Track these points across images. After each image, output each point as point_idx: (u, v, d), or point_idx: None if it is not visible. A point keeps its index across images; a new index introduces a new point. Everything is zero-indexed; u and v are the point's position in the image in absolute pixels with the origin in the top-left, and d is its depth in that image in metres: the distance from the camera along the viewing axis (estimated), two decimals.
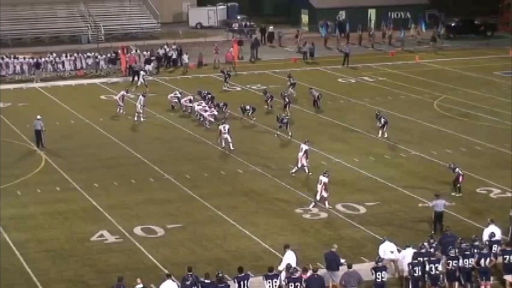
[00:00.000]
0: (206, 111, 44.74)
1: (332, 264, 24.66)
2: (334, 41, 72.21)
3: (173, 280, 23.61)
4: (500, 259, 25.47)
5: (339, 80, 58.26)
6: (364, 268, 24.99)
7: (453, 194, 33.10)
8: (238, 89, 54.88)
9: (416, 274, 24.25)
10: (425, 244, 25.28)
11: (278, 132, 42.52)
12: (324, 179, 32.04)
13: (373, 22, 78.53)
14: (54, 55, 60.54)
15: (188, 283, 23.15)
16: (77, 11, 79.13)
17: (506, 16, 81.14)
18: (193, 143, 41.89)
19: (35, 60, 59.33)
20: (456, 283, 24.79)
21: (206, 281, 23.21)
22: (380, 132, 41.90)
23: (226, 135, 40.14)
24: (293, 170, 36.16)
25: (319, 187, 32.04)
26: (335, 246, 25.41)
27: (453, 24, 77.42)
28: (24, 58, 59.81)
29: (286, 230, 30.14)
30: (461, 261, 24.61)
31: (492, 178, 35.13)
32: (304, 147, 36.19)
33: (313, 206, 32.06)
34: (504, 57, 64.93)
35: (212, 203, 32.77)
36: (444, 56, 67.24)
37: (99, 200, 33.41)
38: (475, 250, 24.97)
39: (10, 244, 29.00)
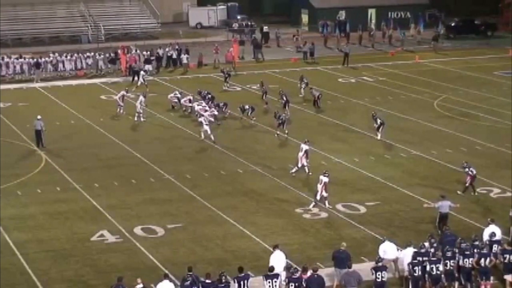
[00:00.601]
0: (206, 111, 44.75)
1: (344, 262, 24.58)
2: (334, 41, 72.21)
3: (170, 280, 23.61)
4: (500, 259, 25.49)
5: (339, 80, 58.26)
6: (364, 268, 24.99)
7: (472, 194, 33.20)
8: (238, 89, 54.88)
9: (416, 274, 24.24)
10: (425, 244, 25.28)
11: (278, 132, 42.54)
12: (324, 178, 32.03)
13: (373, 22, 78.59)
14: (56, 54, 60.59)
15: (187, 283, 23.15)
16: (77, 11, 79.15)
17: (506, 16, 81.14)
18: (193, 143, 41.88)
19: (35, 60, 59.35)
20: (456, 283, 24.81)
21: (207, 281, 23.22)
22: (377, 133, 41.87)
23: (207, 127, 40.83)
24: (293, 170, 36.16)
25: (319, 186, 32.04)
26: (344, 244, 25.46)
27: (453, 24, 77.40)
28: (24, 58, 59.79)
29: (286, 230, 30.14)
30: (461, 261, 24.62)
31: (492, 177, 35.12)
32: (305, 147, 36.18)
33: (313, 206, 32.06)
34: (504, 57, 64.92)
35: (212, 203, 32.77)
36: (444, 56, 67.24)
37: (99, 200, 33.41)
38: (475, 250, 24.96)
39: (11, 244, 29.00)
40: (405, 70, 60.88)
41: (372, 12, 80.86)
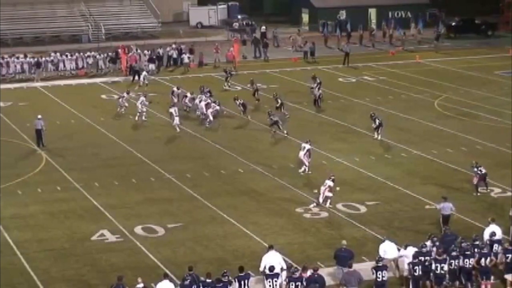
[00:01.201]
0: (209, 107, 44.85)
1: (347, 260, 24.55)
2: (335, 41, 72.21)
3: (170, 280, 23.61)
4: (501, 258, 25.48)
5: (340, 79, 58.24)
6: (364, 268, 24.99)
7: (473, 194, 33.24)
8: (239, 88, 54.86)
9: (416, 274, 24.24)
10: (427, 243, 25.27)
11: (274, 130, 42.53)
12: (329, 182, 32.04)
13: (373, 21, 78.53)
14: (58, 54, 60.59)
15: (187, 282, 23.15)
16: (78, 10, 79.13)
17: (506, 15, 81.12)
18: (193, 142, 41.90)
19: (35, 59, 59.35)
20: (457, 282, 24.80)
21: (208, 280, 23.21)
22: (375, 133, 41.81)
23: (177, 117, 42.73)
24: (301, 170, 36.15)
25: (323, 189, 32.01)
26: (344, 242, 25.48)
27: (453, 24, 77.40)
28: (25, 57, 59.82)
29: (286, 229, 30.13)
30: (461, 261, 24.61)
31: (492, 177, 35.02)
32: (307, 146, 36.18)
33: (314, 206, 32.05)
34: (504, 56, 64.89)
35: (212, 203, 32.75)
36: (445, 55, 67.22)
37: (99, 199, 33.40)
38: (476, 250, 24.96)
39: (11, 243, 28.99)
40: (405, 69, 60.86)
41: (372, 11, 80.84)
